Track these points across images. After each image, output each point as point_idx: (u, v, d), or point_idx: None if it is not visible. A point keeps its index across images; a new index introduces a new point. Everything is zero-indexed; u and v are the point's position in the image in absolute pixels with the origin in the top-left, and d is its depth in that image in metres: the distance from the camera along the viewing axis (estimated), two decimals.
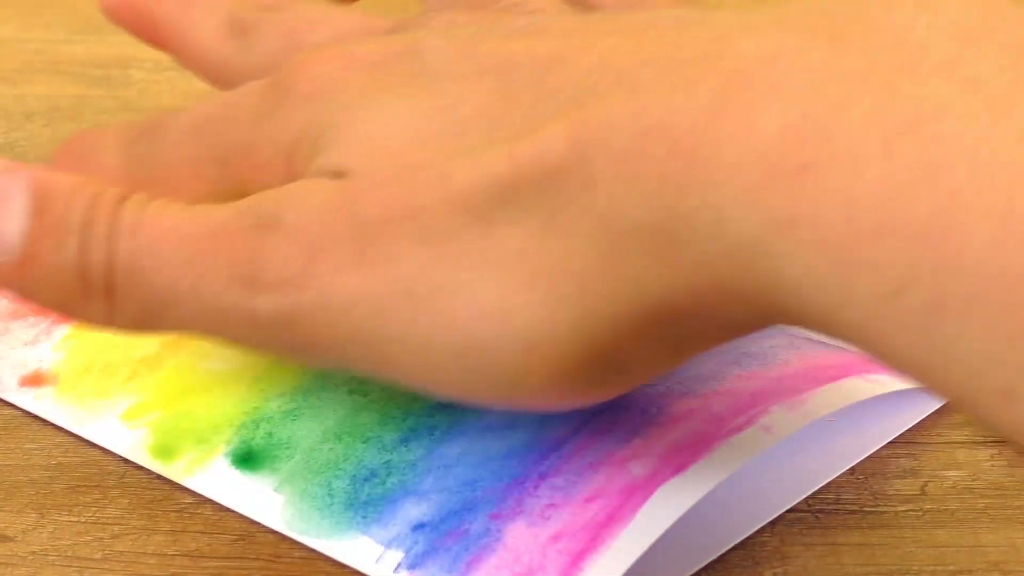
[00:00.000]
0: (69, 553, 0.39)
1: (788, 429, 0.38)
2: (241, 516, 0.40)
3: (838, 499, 0.41)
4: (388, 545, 0.38)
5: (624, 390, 0.34)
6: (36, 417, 0.43)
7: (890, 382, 0.41)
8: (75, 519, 0.40)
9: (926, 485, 0.41)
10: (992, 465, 0.41)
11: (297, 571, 0.38)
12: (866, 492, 0.41)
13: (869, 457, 0.42)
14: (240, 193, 0.36)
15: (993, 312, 0.25)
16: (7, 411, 0.44)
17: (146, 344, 0.44)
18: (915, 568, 0.38)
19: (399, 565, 0.37)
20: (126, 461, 0.42)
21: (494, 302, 0.31)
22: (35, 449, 0.42)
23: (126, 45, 0.71)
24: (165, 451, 0.41)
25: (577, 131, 0.30)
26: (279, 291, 0.34)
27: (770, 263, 0.28)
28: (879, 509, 0.40)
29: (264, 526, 0.39)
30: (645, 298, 0.30)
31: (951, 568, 0.38)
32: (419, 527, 0.38)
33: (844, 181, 0.27)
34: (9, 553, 0.39)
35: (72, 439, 0.43)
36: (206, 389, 0.42)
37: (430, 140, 0.33)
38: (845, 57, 0.28)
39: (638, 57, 0.31)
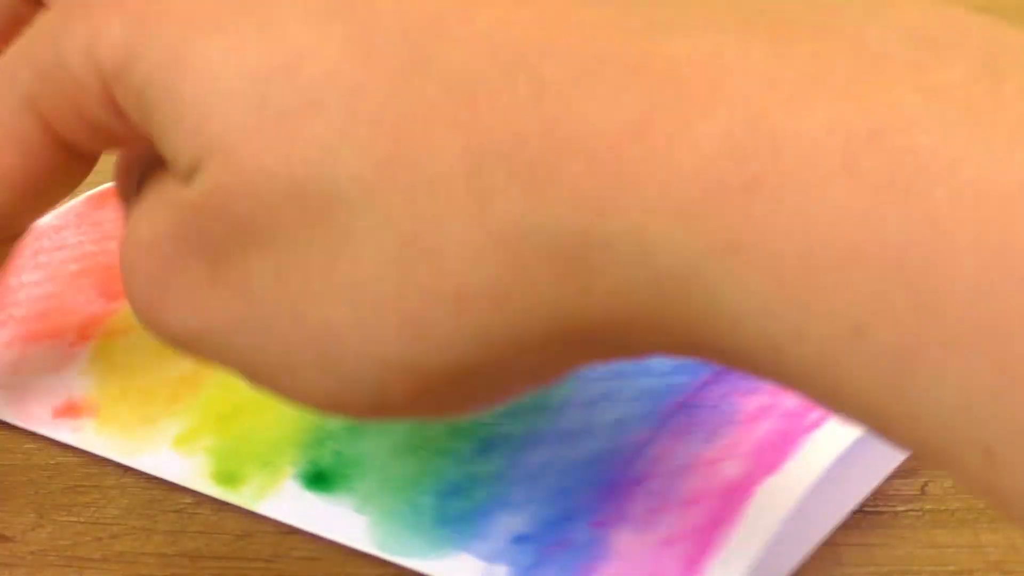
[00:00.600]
0: (68, 553, 0.39)
1: (846, 431, 0.38)
2: (240, 516, 0.40)
3: None
4: (491, 560, 0.37)
5: (506, 399, 0.31)
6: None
7: None
8: (74, 519, 0.40)
9: (926, 485, 0.41)
10: None
11: (297, 571, 0.38)
12: None
13: None
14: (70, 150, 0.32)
15: (977, 362, 0.22)
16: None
17: (180, 362, 0.43)
18: (915, 568, 0.38)
19: None
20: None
21: (350, 323, 0.27)
22: (35, 449, 0.42)
23: None
24: (229, 477, 0.40)
25: (469, 138, 0.26)
26: (145, 315, 0.32)
27: (704, 294, 0.24)
28: (879, 509, 0.40)
29: (267, 524, 0.39)
30: (543, 322, 0.26)
31: (951, 568, 0.38)
32: (520, 539, 0.37)
33: (798, 200, 0.23)
34: (9, 553, 0.39)
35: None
36: (257, 408, 0.41)
37: (271, 120, 0.27)
38: (793, 60, 0.24)
39: (536, 41, 0.26)
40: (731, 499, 0.37)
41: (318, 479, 0.40)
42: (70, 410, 0.43)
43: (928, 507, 0.40)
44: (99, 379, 0.43)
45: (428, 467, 0.39)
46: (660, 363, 0.40)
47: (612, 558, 0.36)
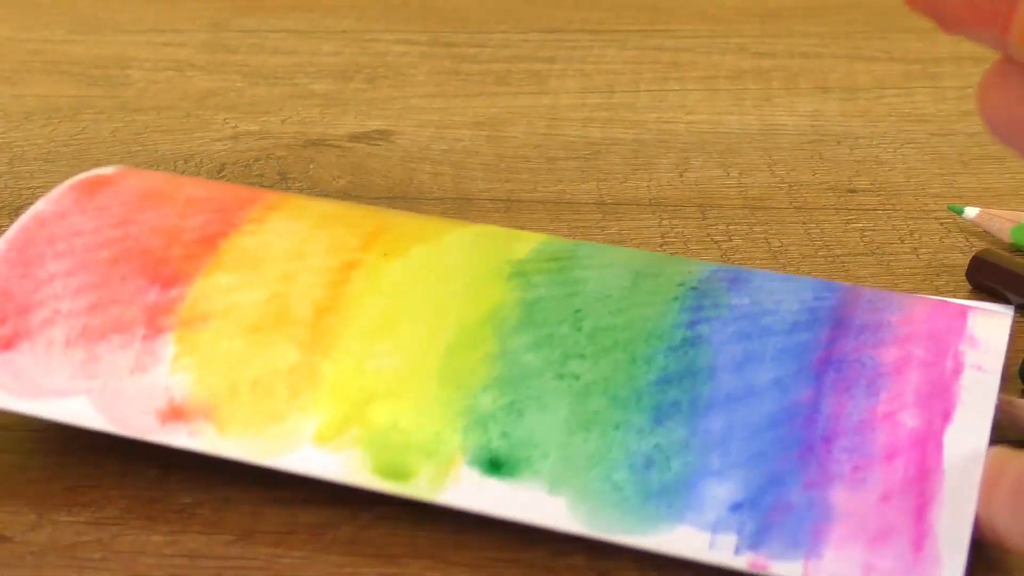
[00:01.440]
0: (68, 553, 0.39)
1: (992, 365, 0.40)
2: (240, 516, 0.40)
3: None
4: (714, 530, 0.37)
5: None
6: (35, 418, 0.43)
7: (994, 312, 0.42)
8: (74, 519, 0.40)
9: None
10: None
11: (296, 571, 0.38)
12: None
13: None
14: None
15: None
16: (6, 411, 0.44)
17: (284, 351, 0.41)
18: None
19: (738, 547, 0.37)
20: (125, 461, 0.42)
21: None
22: (34, 449, 0.42)
23: (125, 45, 0.71)
24: (396, 471, 0.39)
25: None
26: None
27: None
28: None
29: (267, 524, 0.39)
30: None
31: None
32: (737, 507, 0.37)
33: None
34: (8, 553, 0.39)
35: (72, 439, 0.43)
36: (393, 393, 0.40)
37: None
38: None
39: None
40: (926, 449, 0.38)
41: (496, 464, 0.39)
42: (178, 413, 0.41)
43: None
44: (198, 375, 0.41)
45: (610, 442, 0.39)
46: (775, 322, 0.41)
47: (837, 519, 0.37)
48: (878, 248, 0.52)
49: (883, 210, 0.55)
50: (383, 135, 0.62)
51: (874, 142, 0.60)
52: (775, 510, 0.37)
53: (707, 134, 0.61)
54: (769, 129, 0.62)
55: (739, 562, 0.37)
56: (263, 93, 0.66)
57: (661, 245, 0.52)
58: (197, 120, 0.63)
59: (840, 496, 0.37)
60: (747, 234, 0.53)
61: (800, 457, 0.38)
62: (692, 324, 0.41)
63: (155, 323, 0.42)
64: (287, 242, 0.44)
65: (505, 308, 0.42)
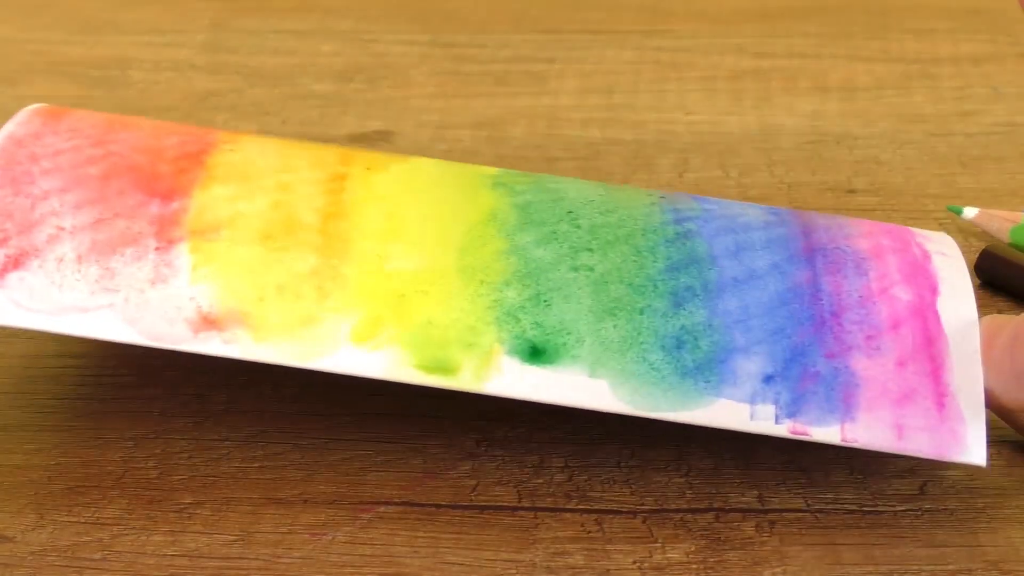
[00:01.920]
0: (68, 553, 0.39)
1: (955, 252, 0.42)
2: (240, 516, 0.40)
3: (837, 499, 0.41)
4: (752, 401, 0.39)
5: None
6: (36, 414, 0.43)
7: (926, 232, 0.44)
8: (74, 519, 0.40)
9: (925, 485, 0.41)
10: (991, 465, 0.41)
11: (296, 571, 0.38)
12: (865, 492, 0.41)
13: (868, 456, 0.42)
14: None
15: None
16: (5, 412, 0.44)
17: (301, 255, 0.41)
18: (915, 568, 0.38)
19: (778, 416, 0.39)
20: (125, 461, 0.42)
21: None
22: (34, 449, 0.42)
23: (126, 45, 0.71)
24: (439, 365, 0.40)
25: None
26: None
27: None
28: (878, 509, 0.40)
29: (267, 524, 0.39)
30: None
31: (950, 568, 0.38)
32: (769, 379, 0.39)
33: None
34: (9, 553, 0.39)
35: (71, 438, 0.43)
36: (420, 291, 0.41)
37: None
38: None
39: None
40: (925, 319, 0.40)
41: (536, 352, 0.40)
42: (210, 322, 0.40)
43: (927, 507, 0.40)
44: (222, 282, 0.41)
45: (639, 326, 0.40)
46: (748, 222, 0.42)
47: (863, 385, 0.39)
48: None
49: (882, 210, 0.55)
50: (383, 135, 0.62)
51: (873, 142, 0.60)
52: (805, 379, 0.39)
53: (706, 134, 0.61)
54: (768, 129, 0.62)
55: (780, 430, 0.39)
56: (263, 94, 0.66)
57: None
58: (197, 121, 0.63)
59: (861, 364, 0.39)
60: None
61: (816, 331, 0.40)
62: (679, 221, 0.42)
63: (165, 235, 0.42)
64: (271, 157, 0.44)
65: (502, 211, 0.42)
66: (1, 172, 0.43)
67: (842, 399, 0.39)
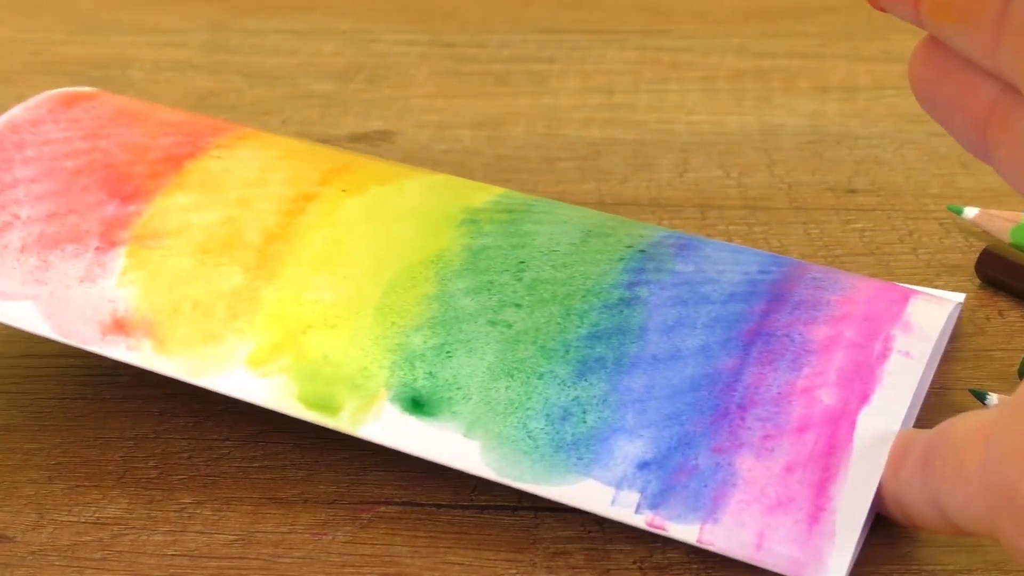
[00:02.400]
0: (69, 553, 0.39)
1: (920, 353, 0.40)
2: (240, 516, 0.40)
3: None
4: (618, 486, 0.38)
5: None
6: (36, 414, 0.43)
7: (940, 301, 0.43)
8: (74, 519, 0.40)
9: None
10: None
11: (296, 571, 0.38)
12: None
13: None
14: None
15: None
16: (5, 412, 0.44)
17: (229, 273, 0.42)
18: (914, 568, 0.38)
19: (639, 506, 0.37)
20: (125, 461, 0.42)
21: None
22: (34, 449, 0.42)
23: (126, 45, 0.71)
24: (322, 402, 0.40)
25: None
26: None
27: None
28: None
29: (267, 524, 0.39)
30: None
31: (950, 568, 0.38)
32: (644, 465, 0.38)
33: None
34: (9, 553, 0.39)
35: (71, 439, 0.43)
36: (328, 324, 0.41)
37: None
38: None
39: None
40: (838, 428, 0.38)
41: (417, 404, 0.39)
42: (120, 327, 0.41)
43: None
44: (143, 290, 0.41)
45: (531, 390, 0.39)
46: (714, 291, 0.41)
47: (740, 486, 0.37)
48: (877, 248, 0.52)
49: (882, 210, 0.55)
50: (383, 135, 0.62)
51: (873, 142, 0.60)
52: (681, 471, 0.38)
53: (707, 134, 0.61)
54: (769, 129, 0.62)
55: (638, 520, 0.37)
56: (263, 93, 0.66)
57: None
58: None
59: (746, 463, 0.38)
60: (747, 234, 0.53)
61: (714, 422, 0.38)
62: (631, 285, 0.41)
63: (109, 236, 0.42)
64: (250, 169, 0.44)
65: (450, 252, 0.42)
66: None
67: (712, 497, 0.37)
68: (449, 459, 0.39)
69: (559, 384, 0.39)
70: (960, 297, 0.46)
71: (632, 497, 0.37)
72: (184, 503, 0.40)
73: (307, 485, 0.41)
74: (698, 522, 0.37)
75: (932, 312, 0.42)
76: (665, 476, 0.38)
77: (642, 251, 0.42)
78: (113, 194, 0.43)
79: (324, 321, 0.41)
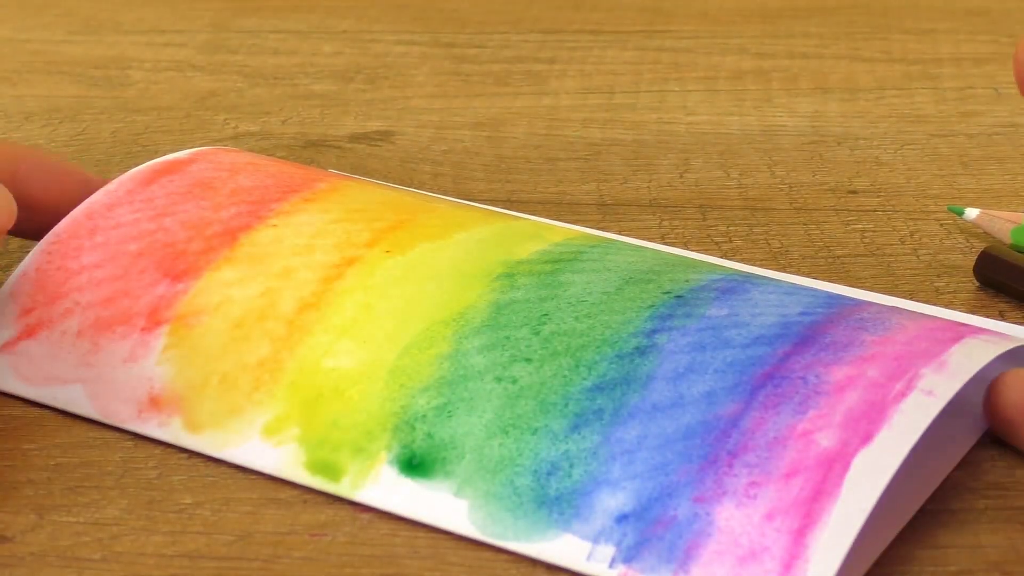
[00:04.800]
0: (68, 554, 0.39)
1: (946, 392, 0.39)
2: (240, 516, 0.40)
3: None
4: (595, 541, 0.37)
5: None
6: (36, 414, 0.43)
7: (1002, 341, 0.41)
8: (74, 519, 0.40)
9: None
10: (992, 465, 0.41)
11: (297, 571, 0.38)
12: None
13: None
14: None
15: None
16: (5, 411, 0.44)
17: (258, 345, 0.42)
18: (915, 568, 0.38)
19: (613, 560, 0.37)
20: (125, 462, 0.42)
21: None
22: (34, 449, 0.42)
23: (126, 45, 0.71)
24: (326, 468, 0.40)
25: None
26: None
27: None
28: None
29: (267, 524, 0.39)
30: None
31: (951, 568, 0.38)
32: (623, 518, 0.37)
33: None
34: (8, 553, 0.39)
35: (71, 438, 0.43)
36: (340, 392, 0.41)
37: None
38: None
39: None
40: (829, 471, 0.37)
41: (413, 464, 0.39)
42: (155, 404, 0.42)
43: (928, 507, 0.40)
44: (178, 367, 0.42)
45: (523, 446, 0.39)
46: (739, 334, 0.41)
47: (715, 535, 0.37)
48: (878, 249, 0.52)
49: (883, 211, 0.55)
50: (383, 136, 0.62)
51: (874, 143, 0.60)
52: (658, 523, 0.37)
53: (707, 135, 0.61)
54: (769, 130, 0.62)
55: (611, 574, 0.37)
56: (263, 93, 0.66)
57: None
58: (197, 120, 0.63)
59: (725, 512, 0.37)
60: (747, 235, 0.53)
61: (700, 470, 0.38)
62: (652, 333, 0.41)
63: (156, 316, 0.43)
64: (301, 236, 0.44)
65: (474, 310, 0.42)
66: (60, 245, 0.45)
67: (685, 549, 0.36)
68: (438, 520, 0.39)
69: (551, 438, 0.39)
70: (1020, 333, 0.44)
71: (607, 551, 0.37)
72: (184, 503, 0.40)
73: (307, 485, 0.41)
74: (669, 574, 0.36)
75: (979, 351, 0.40)
76: (642, 528, 0.37)
77: (679, 296, 0.42)
78: (166, 273, 0.44)
79: (337, 388, 0.41)
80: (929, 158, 0.59)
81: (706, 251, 0.52)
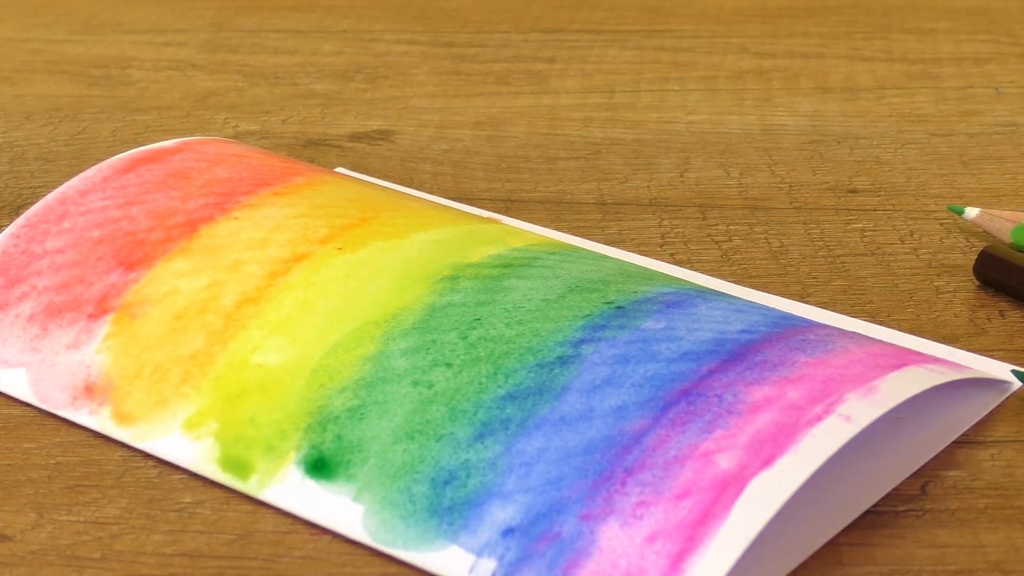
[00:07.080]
0: (68, 553, 0.39)
1: (865, 418, 0.38)
2: (241, 516, 0.40)
3: None
4: (479, 554, 0.37)
5: None
6: (36, 415, 0.43)
7: (951, 372, 0.41)
8: (74, 519, 0.40)
9: (926, 485, 0.41)
10: (992, 465, 0.41)
11: (297, 571, 0.38)
12: None
13: None
14: None
15: None
16: (5, 411, 0.44)
17: (194, 338, 0.42)
18: (915, 568, 0.38)
19: (494, 574, 0.36)
20: (125, 460, 0.42)
21: None
22: (34, 449, 0.42)
23: (126, 45, 0.71)
24: (237, 465, 0.40)
25: None
26: None
27: None
28: (879, 509, 0.40)
29: (267, 524, 0.39)
30: None
31: (951, 568, 0.38)
32: (509, 532, 0.37)
33: None
34: (8, 553, 0.39)
35: (71, 438, 0.43)
36: (263, 388, 0.41)
37: None
38: None
39: None
40: (722, 493, 0.36)
41: (318, 466, 0.39)
42: (89, 392, 0.42)
43: (928, 507, 0.40)
44: (115, 356, 0.42)
45: (425, 453, 0.39)
46: (668, 348, 0.40)
47: (595, 555, 0.36)
48: (878, 248, 0.52)
49: (883, 210, 0.55)
50: (384, 135, 0.62)
51: (874, 142, 0.60)
52: (542, 539, 0.37)
53: (707, 134, 0.61)
54: (769, 129, 0.62)
55: None
56: (264, 93, 0.66)
57: (661, 245, 0.52)
58: (198, 120, 0.63)
59: (609, 532, 0.36)
60: (747, 234, 0.53)
61: (593, 487, 0.37)
62: (579, 343, 0.40)
63: (104, 304, 0.43)
64: (260, 230, 0.44)
65: (408, 311, 0.42)
66: (28, 229, 0.45)
67: (564, 567, 0.36)
68: (335, 524, 0.38)
69: (454, 446, 0.39)
70: (1005, 371, 0.44)
71: (489, 565, 0.37)
72: (184, 503, 0.40)
73: None
74: None
75: (918, 379, 0.39)
76: (526, 544, 0.37)
77: (620, 307, 0.41)
78: (121, 262, 0.44)
79: (261, 385, 0.41)
80: (929, 157, 0.59)
81: (706, 251, 0.52)
